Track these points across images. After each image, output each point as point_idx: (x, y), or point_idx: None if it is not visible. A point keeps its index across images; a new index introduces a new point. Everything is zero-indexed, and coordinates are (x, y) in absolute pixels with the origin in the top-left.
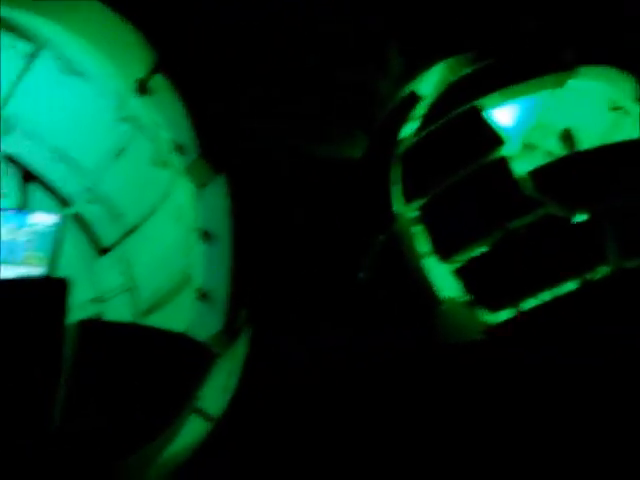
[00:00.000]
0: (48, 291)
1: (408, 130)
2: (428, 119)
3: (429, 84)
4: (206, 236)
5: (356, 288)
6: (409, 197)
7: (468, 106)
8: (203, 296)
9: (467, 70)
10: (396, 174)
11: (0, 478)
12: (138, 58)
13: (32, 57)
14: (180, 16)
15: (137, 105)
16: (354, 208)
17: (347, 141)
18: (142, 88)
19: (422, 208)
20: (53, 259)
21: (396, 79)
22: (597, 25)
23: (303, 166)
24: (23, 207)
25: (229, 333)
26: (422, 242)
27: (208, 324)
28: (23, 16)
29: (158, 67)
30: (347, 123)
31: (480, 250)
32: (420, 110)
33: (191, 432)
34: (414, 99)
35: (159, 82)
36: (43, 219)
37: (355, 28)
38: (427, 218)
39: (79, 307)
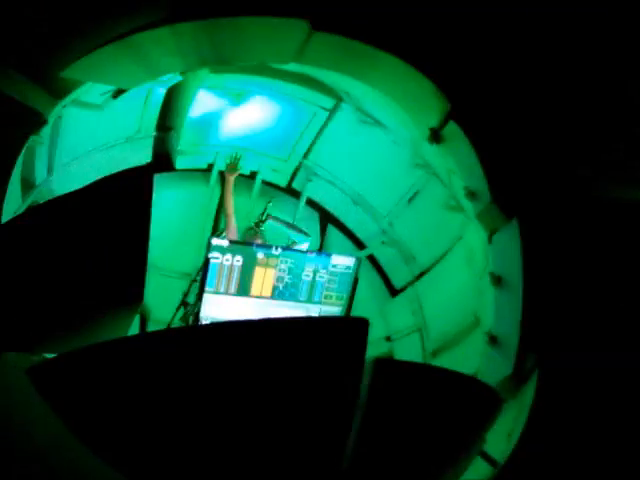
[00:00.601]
0: (351, 329)
1: None
2: None
3: None
4: (497, 280)
5: None
6: None
7: None
8: (492, 340)
9: None
10: None
11: None
12: (431, 107)
13: (333, 110)
14: (472, 66)
15: (430, 152)
16: None
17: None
18: (435, 136)
19: None
20: (350, 299)
21: None
22: None
23: (598, 210)
24: (322, 249)
25: (517, 378)
26: None
27: (497, 368)
28: (325, 74)
29: (451, 116)
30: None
31: None
32: None
33: (475, 475)
34: None
35: (452, 130)
36: (341, 261)
37: None
38: None
39: (372, 344)
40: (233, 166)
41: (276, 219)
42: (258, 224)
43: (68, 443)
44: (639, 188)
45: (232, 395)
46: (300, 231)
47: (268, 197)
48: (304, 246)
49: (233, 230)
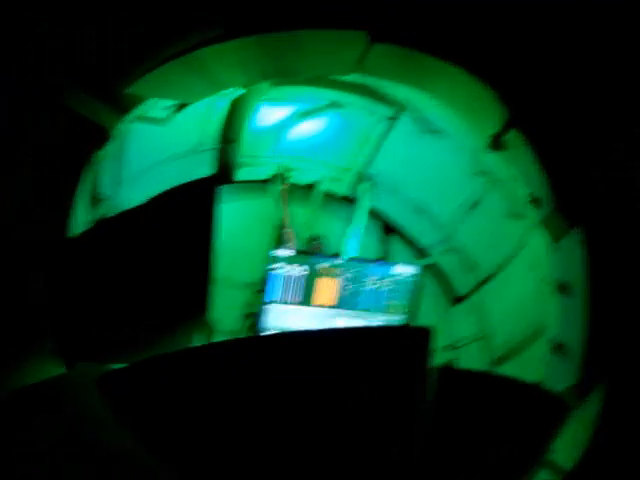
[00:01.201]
0: (414, 338)
1: None
2: None
3: None
4: (562, 288)
5: None
6: None
7: None
8: (557, 348)
9: None
10: None
11: None
12: (492, 115)
13: (393, 120)
14: (533, 72)
15: (491, 160)
16: None
17: None
18: (496, 143)
19: None
20: (413, 307)
21: None
22: None
23: None
24: (384, 258)
25: (583, 387)
26: None
27: (562, 376)
28: (387, 84)
29: (512, 123)
30: None
31: None
32: None
33: None
34: None
35: (513, 137)
36: (403, 270)
37: None
38: None
39: (435, 353)
40: (283, 179)
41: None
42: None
43: (136, 453)
44: None
45: (295, 405)
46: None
47: (330, 207)
48: None
49: (292, 240)
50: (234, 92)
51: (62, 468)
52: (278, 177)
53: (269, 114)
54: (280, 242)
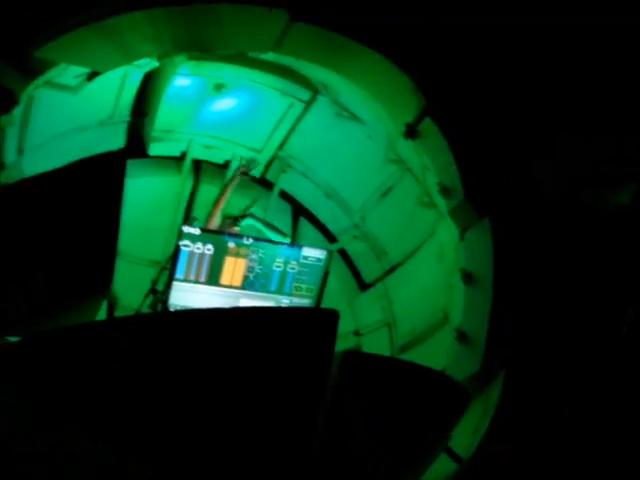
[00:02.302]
0: (320, 320)
1: None
2: None
3: None
4: (467, 277)
5: (618, 341)
6: None
7: None
8: (461, 337)
9: None
10: None
11: None
12: (407, 103)
13: (310, 102)
14: (450, 64)
15: (405, 148)
16: (620, 256)
17: (615, 186)
18: (411, 132)
19: None
20: (320, 291)
21: None
22: None
23: (569, 211)
24: (293, 241)
25: (485, 375)
26: None
27: (464, 365)
28: (303, 65)
29: (426, 112)
30: (617, 168)
31: None
32: None
33: (439, 471)
34: None
35: (427, 126)
36: (312, 253)
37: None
38: None
39: (340, 338)
40: (245, 170)
41: (256, 218)
42: (238, 219)
43: (30, 427)
44: (610, 192)
45: (198, 383)
46: (278, 231)
47: (240, 187)
48: None
49: (214, 224)
50: (148, 64)
51: None
52: (240, 167)
53: (185, 89)
54: (190, 219)
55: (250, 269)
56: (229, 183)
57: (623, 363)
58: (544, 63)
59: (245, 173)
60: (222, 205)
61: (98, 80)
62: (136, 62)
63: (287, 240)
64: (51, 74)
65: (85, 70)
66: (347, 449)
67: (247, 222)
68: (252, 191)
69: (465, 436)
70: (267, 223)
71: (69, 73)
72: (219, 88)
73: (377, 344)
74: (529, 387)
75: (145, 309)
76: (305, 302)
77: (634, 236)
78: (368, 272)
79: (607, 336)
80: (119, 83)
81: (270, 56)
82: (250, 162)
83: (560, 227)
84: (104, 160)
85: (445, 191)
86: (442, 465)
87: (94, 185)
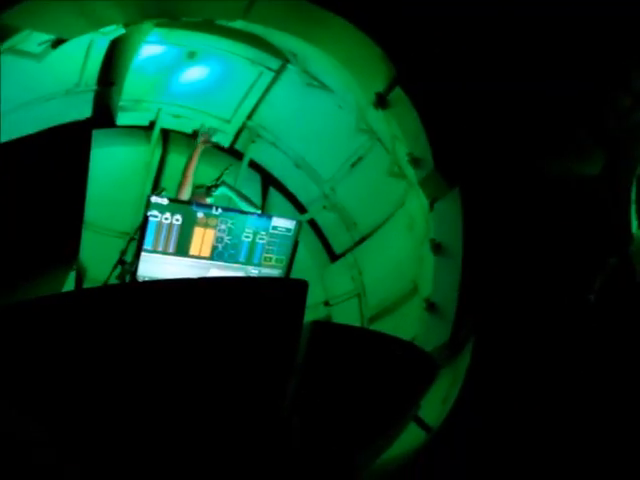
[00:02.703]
0: (289, 290)
1: None
2: None
3: None
4: (437, 248)
5: (585, 310)
6: None
7: None
8: (431, 307)
9: None
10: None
11: (226, 466)
12: (378, 72)
13: (279, 72)
14: (420, 33)
15: (376, 117)
16: (587, 226)
17: (583, 157)
18: (381, 101)
19: None
20: (290, 262)
21: (638, 93)
22: None
23: (538, 181)
24: (263, 211)
25: (454, 345)
26: None
27: (434, 335)
28: (274, 34)
29: (397, 81)
30: (583, 138)
31: None
32: None
33: (408, 440)
34: None
35: (398, 96)
36: (282, 223)
37: (594, 42)
38: None
39: (310, 308)
40: (206, 138)
41: (229, 186)
42: (210, 189)
43: None
44: (579, 163)
45: (167, 353)
46: (250, 202)
47: (210, 157)
48: None
49: (184, 196)
50: (115, 31)
51: None
52: (199, 136)
53: (153, 58)
54: (158, 189)
55: (219, 239)
56: (193, 152)
57: (591, 332)
58: (511, 33)
59: (206, 141)
60: (190, 174)
61: (63, 47)
62: (102, 29)
63: (258, 211)
64: (14, 40)
65: (49, 37)
66: (317, 419)
67: (220, 191)
68: (222, 161)
69: (434, 405)
70: (239, 192)
71: (33, 40)
72: (188, 56)
73: (347, 315)
74: (498, 357)
75: (113, 280)
76: (274, 273)
77: (602, 206)
78: (338, 243)
79: (575, 306)
80: (85, 51)
81: (239, 24)
82: (209, 130)
83: (529, 198)
84: (70, 130)
85: (415, 161)
86: (412, 434)
87: (60, 155)
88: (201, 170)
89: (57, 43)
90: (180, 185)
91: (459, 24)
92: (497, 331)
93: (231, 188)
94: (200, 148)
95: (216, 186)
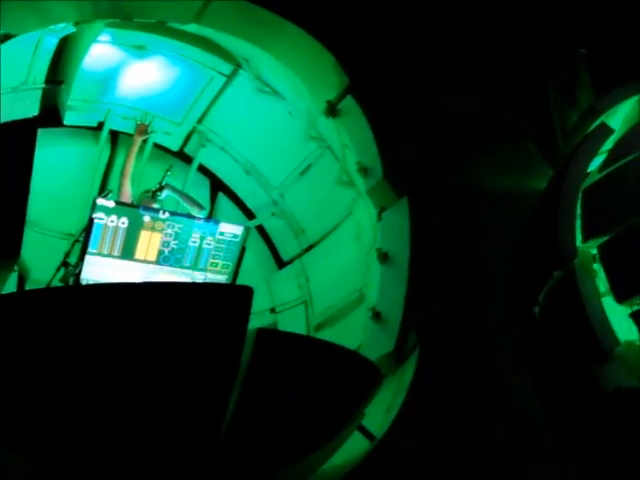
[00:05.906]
0: (234, 297)
1: (594, 164)
2: (615, 155)
3: (620, 118)
4: (384, 257)
5: (529, 324)
6: (589, 233)
7: None
8: (376, 316)
9: None
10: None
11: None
12: (330, 81)
13: (231, 77)
14: (372, 42)
15: (326, 126)
16: (533, 240)
17: (530, 172)
18: (332, 110)
19: (602, 246)
20: (236, 268)
21: (585, 110)
22: None
23: (484, 195)
24: (211, 216)
25: (399, 355)
26: (602, 280)
27: (379, 344)
28: (226, 38)
29: (348, 90)
30: (530, 154)
31: None
32: (608, 144)
33: (351, 449)
34: (604, 132)
35: (349, 105)
36: (229, 229)
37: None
38: (606, 257)
39: (256, 315)
40: (142, 128)
41: (173, 189)
42: (155, 192)
43: None
44: (526, 177)
45: (109, 358)
46: (196, 204)
47: (159, 161)
48: None
49: (127, 194)
50: (65, 29)
51: None
52: (136, 127)
53: (103, 57)
54: (105, 192)
55: (165, 244)
56: (131, 148)
57: (536, 343)
58: (467, 42)
59: (143, 131)
60: (129, 167)
61: (10, 43)
62: (52, 27)
63: (204, 213)
64: None
65: None
66: (260, 427)
67: (166, 194)
68: (169, 164)
69: (378, 415)
70: (184, 194)
71: None
72: (139, 57)
73: (293, 322)
74: (443, 367)
75: (56, 283)
76: (221, 278)
77: (548, 220)
78: (286, 250)
79: (520, 318)
80: (33, 48)
81: (192, 27)
82: (144, 119)
83: (476, 209)
84: (15, 127)
85: (364, 170)
86: (355, 443)
87: (2, 152)
88: (150, 174)
89: (4, 39)
90: (120, 180)
91: (413, 35)
92: (443, 341)
93: (175, 190)
94: (138, 139)
95: (160, 189)
